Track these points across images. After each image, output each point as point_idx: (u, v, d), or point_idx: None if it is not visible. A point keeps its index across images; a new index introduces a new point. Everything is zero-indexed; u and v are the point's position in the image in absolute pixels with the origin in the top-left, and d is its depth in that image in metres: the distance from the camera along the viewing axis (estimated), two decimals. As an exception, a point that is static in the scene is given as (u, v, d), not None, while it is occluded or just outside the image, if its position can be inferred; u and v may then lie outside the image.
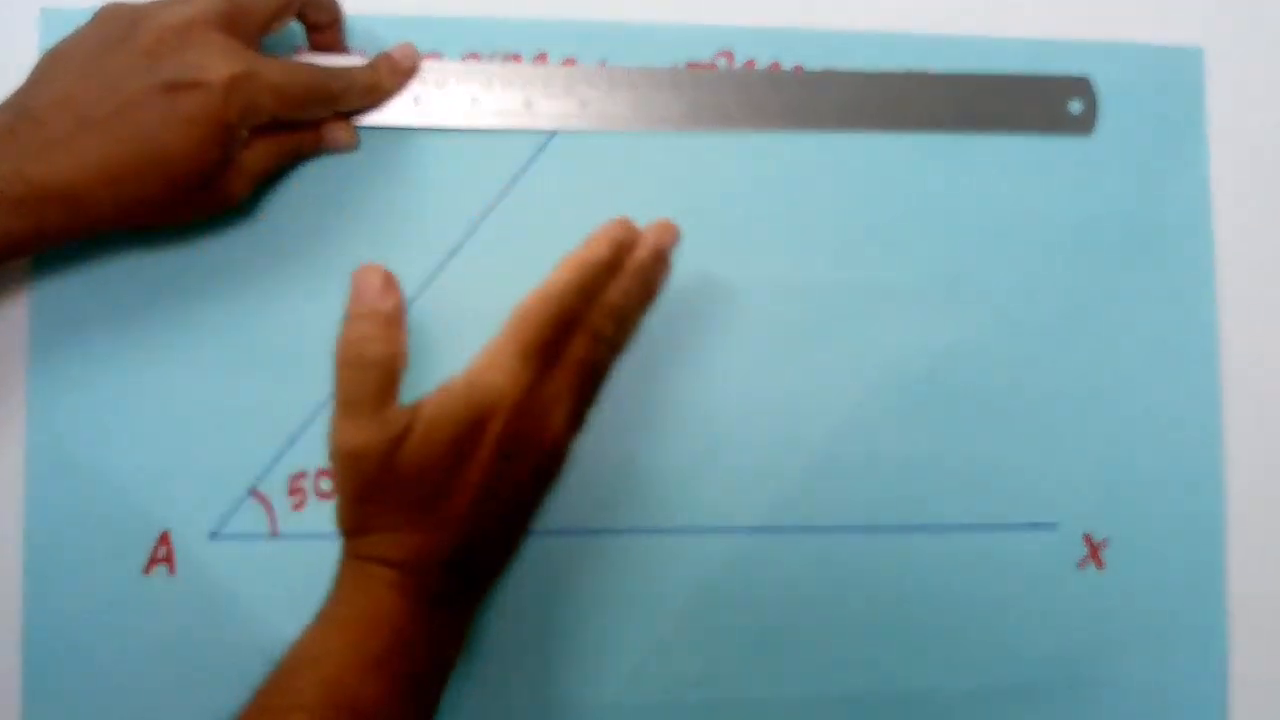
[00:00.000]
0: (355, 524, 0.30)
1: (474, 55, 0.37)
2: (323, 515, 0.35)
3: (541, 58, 0.37)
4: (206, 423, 0.35)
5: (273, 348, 0.35)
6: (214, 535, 0.35)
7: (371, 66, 0.35)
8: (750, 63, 0.38)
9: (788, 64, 0.38)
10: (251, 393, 0.35)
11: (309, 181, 0.36)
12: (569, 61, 0.37)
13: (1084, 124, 0.38)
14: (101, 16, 0.31)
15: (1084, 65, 0.38)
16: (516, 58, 0.37)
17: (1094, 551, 0.37)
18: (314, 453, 0.35)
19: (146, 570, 0.34)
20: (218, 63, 0.30)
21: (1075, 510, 0.37)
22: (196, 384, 0.35)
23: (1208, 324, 0.38)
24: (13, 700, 0.34)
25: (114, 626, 0.34)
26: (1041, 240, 0.38)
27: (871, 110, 0.38)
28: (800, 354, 0.37)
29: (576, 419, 0.31)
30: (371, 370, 0.29)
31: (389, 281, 0.30)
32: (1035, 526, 0.37)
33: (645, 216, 0.36)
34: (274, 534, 0.35)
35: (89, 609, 0.34)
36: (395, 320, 0.30)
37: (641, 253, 0.31)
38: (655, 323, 0.36)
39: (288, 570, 0.35)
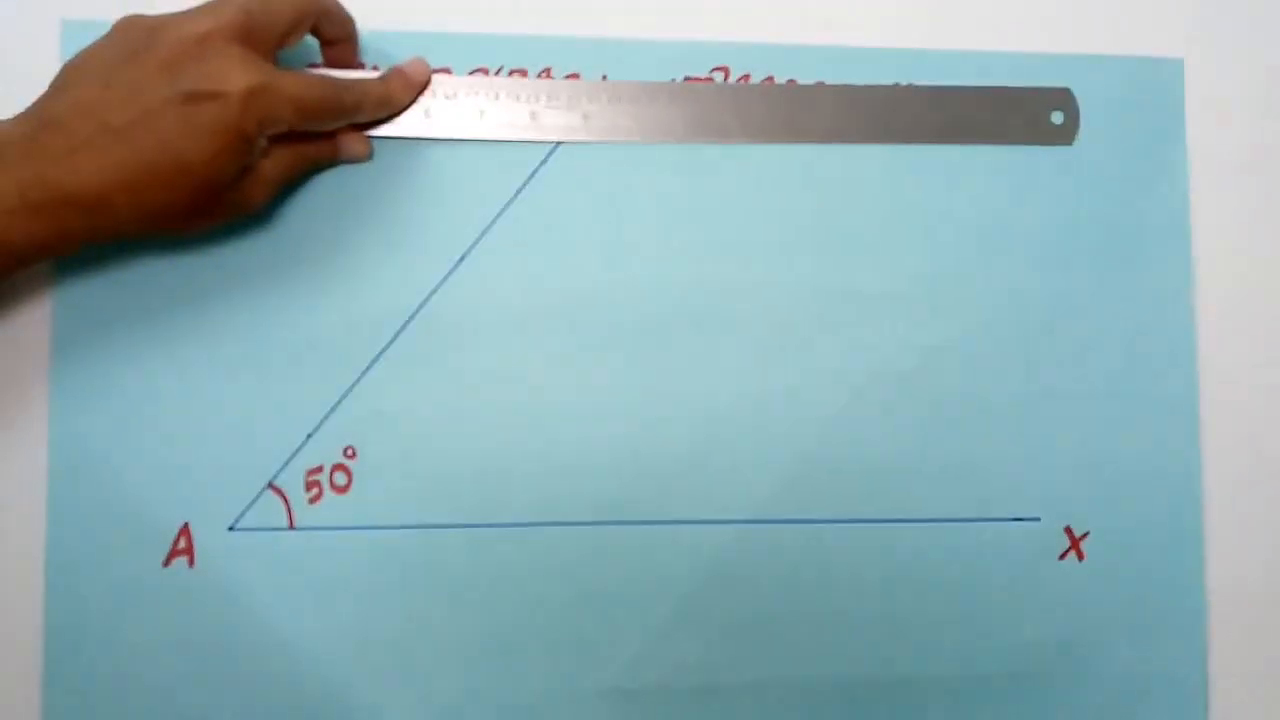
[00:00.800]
0: None
1: (482, 69, 0.37)
2: (339, 509, 0.35)
3: (546, 72, 0.37)
4: (225, 419, 0.35)
5: (289, 348, 0.35)
6: (233, 528, 0.35)
7: (384, 80, 0.35)
8: (745, 77, 0.38)
9: (781, 78, 0.38)
10: (269, 391, 0.35)
11: (325, 190, 0.36)
12: (573, 76, 0.37)
13: (1066, 134, 0.38)
14: (120, 28, 0.31)
15: (1066, 77, 0.38)
16: (523, 72, 0.37)
17: (1075, 544, 0.37)
18: (330, 448, 0.35)
19: (166, 562, 0.34)
20: (236, 74, 0.30)
21: (1057, 504, 0.37)
22: (215, 382, 0.35)
23: (1185, 326, 0.38)
24: (34, 690, 0.34)
25: (134, 618, 0.34)
26: (1024, 247, 0.38)
27: (861, 122, 0.38)
28: (792, 355, 0.37)
29: None
30: None
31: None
32: (1018, 520, 0.37)
33: (646, 224, 0.37)
34: (291, 527, 0.35)
35: (110, 601, 0.34)
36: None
37: None
38: (655, 324, 0.37)
39: (304, 562, 0.35)
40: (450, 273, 0.36)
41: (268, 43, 0.32)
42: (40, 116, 0.30)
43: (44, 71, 0.32)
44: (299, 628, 0.35)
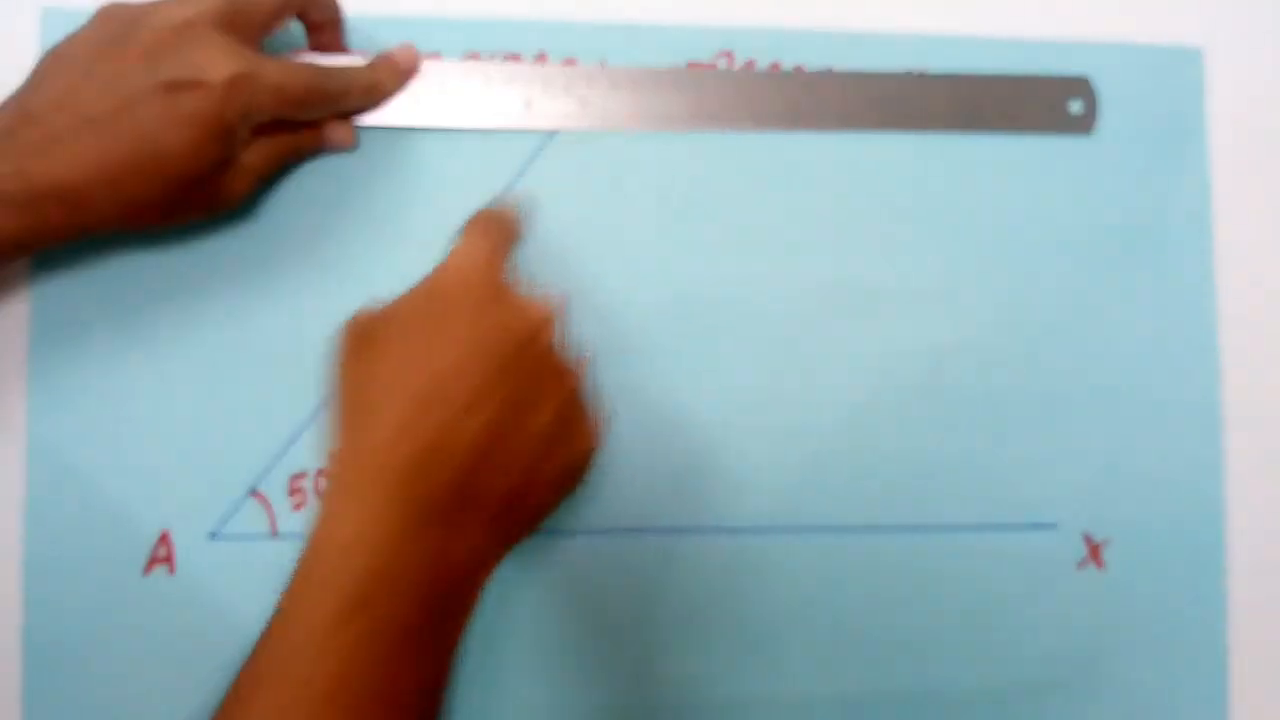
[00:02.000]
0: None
1: (474, 55, 0.37)
2: None
3: (541, 58, 0.37)
4: (206, 423, 0.35)
5: (273, 348, 0.35)
6: (214, 535, 0.35)
7: (371, 66, 0.35)
8: (750, 63, 0.38)
9: (788, 64, 0.38)
10: (251, 393, 0.35)
11: (309, 181, 0.36)
12: (569, 61, 0.37)
13: (1084, 124, 0.38)
14: (102, 16, 0.31)
15: (1084, 65, 0.38)
16: (516, 58, 0.37)
17: (1094, 552, 0.37)
18: (314, 453, 0.35)
19: (146, 570, 0.34)
20: (218, 62, 0.30)
21: (1075, 510, 0.37)
22: (196, 384, 0.35)
23: (1207, 323, 0.38)
24: (14, 700, 0.34)
25: (114, 626, 0.34)
26: (1042, 240, 0.38)
27: (872, 110, 0.38)
28: (800, 353, 0.37)
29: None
30: None
31: None
32: (1035, 526, 0.37)
33: (646, 217, 0.37)
34: (273, 534, 0.35)
35: (89, 609, 0.34)
36: None
37: None
38: (655, 322, 0.36)
39: (287, 570, 0.33)
40: (441, 269, 0.36)
41: (251, 30, 0.32)
42: (19, 108, 0.30)
43: (23, 60, 0.32)
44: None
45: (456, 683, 0.35)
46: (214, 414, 0.35)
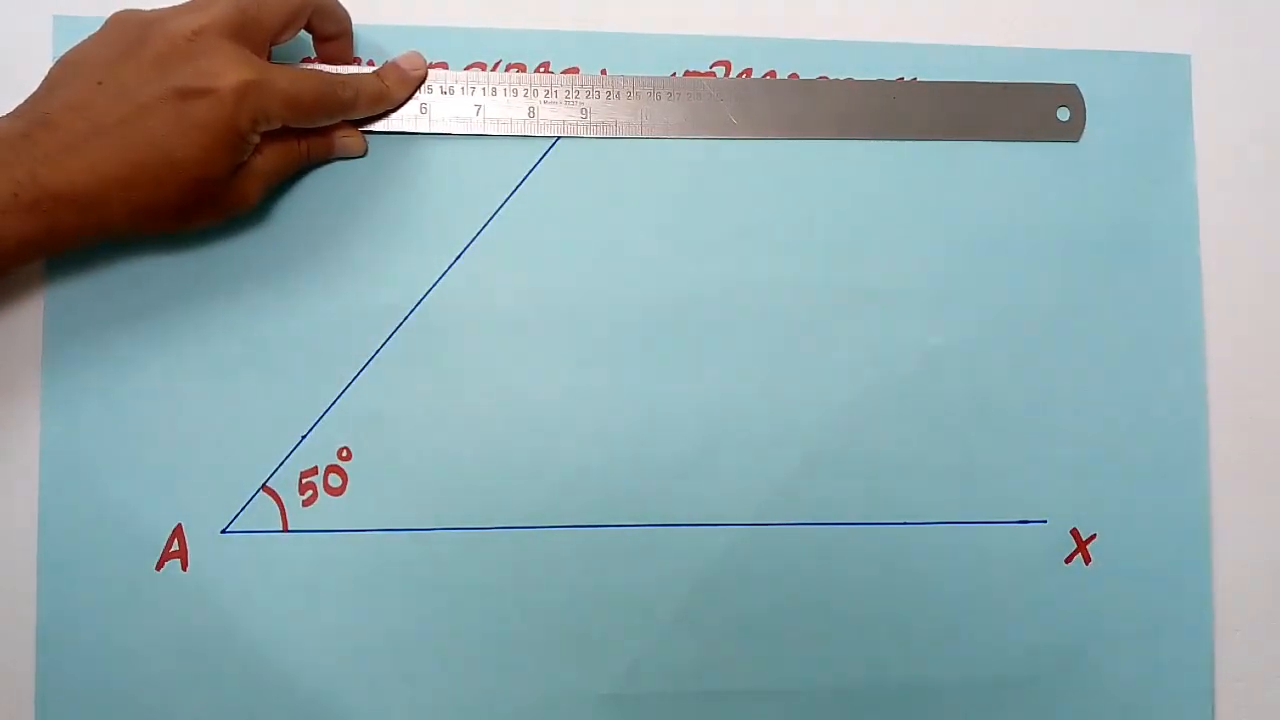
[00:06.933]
0: None
1: (479, 64, 0.37)
2: (333, 511, 0.35)
3: (544, 67, 0.37)
4: (219, 421, 0.35)
5: (282, 348, 0.35)
6: (226, 531, 0.35)
7: (379, 75, 0.35)
8: (747, 72, 0.38)
9: (783, 73, 0.38)
10: (262, 391, 0.35)
11: (319, 186, 0.36)
12: (571, 70, 0.37)
13: (1072, 131, 0.38)
14: (113, 24, 0.31)
15: (1072, 73, 0.39)
16: (520, 67, 0.37)
17: (1082, 547, 0.37)
18: (324, 450, 0.35)
19: (159, 566, 0.35)
20: (228, 70, 0.30)
21: (1063, 506, 0.37)
22: (209, 383, 0.35)
23: (1193, 325, 0.38)
24: (27, 694, 0.34)
25: (127, 621, 0.34)
26: (1031, 245, 0.38)
27: (865, 118, 0.38)
28: (796, 355, 0.37)
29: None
30: None
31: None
32: (1025, 522, 0.37)
33: (646, 221, 0.37)
34: (285, 529, 0.35)
35: (102, 604, 0.34)
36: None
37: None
38: (654, 324, 0.36)
39: (299, 565, 0.35)
40: (447, 271, 0.36)
41: (262, 38, 0.32)
42: (33, 114, 0.30)
43: (36, 68, 0.32)
44: (293, 631, 0.35)
45: (452, 676, 0.35)
46: (226, 412, 0.35)
